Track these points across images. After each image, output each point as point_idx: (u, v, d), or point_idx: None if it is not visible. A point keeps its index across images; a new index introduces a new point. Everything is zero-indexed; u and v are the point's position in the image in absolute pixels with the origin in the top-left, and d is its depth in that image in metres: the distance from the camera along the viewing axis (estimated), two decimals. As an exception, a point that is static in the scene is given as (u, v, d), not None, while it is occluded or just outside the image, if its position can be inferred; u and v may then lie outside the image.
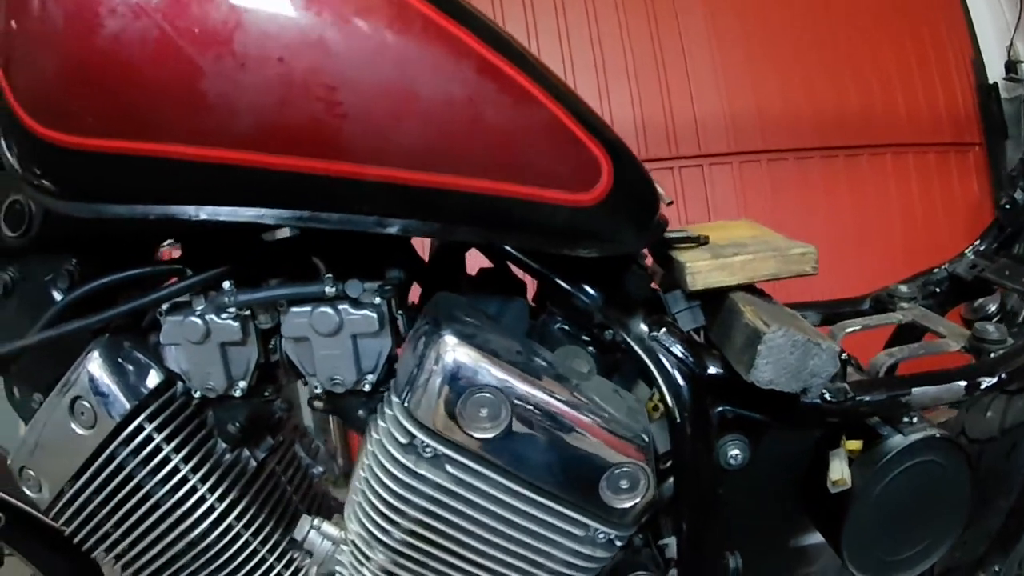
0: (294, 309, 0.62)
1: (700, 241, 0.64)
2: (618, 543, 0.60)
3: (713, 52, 1.85)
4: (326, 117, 0.51)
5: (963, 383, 0.63)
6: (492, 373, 0.55)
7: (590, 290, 0.61)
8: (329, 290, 0.60)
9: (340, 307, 0.60)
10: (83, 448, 0.67)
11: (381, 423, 0.60)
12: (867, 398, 0.62)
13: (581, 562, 0.60)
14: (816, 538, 0.77)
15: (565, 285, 0.61)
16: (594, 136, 0.55)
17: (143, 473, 0.66)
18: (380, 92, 0.51)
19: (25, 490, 0.74)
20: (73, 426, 0.66)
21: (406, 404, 0.57)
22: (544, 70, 0.55)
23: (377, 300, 0.60)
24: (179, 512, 0.67)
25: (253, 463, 0.71)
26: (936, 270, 0.82)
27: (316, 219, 0.53)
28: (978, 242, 0.82)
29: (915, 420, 0.64)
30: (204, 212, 0.55)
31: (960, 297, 0.81)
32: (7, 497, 0.89)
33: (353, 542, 0.63)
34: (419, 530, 0.59)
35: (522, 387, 0.55)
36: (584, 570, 0.61)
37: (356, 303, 0.61)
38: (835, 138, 1.90)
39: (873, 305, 0.78)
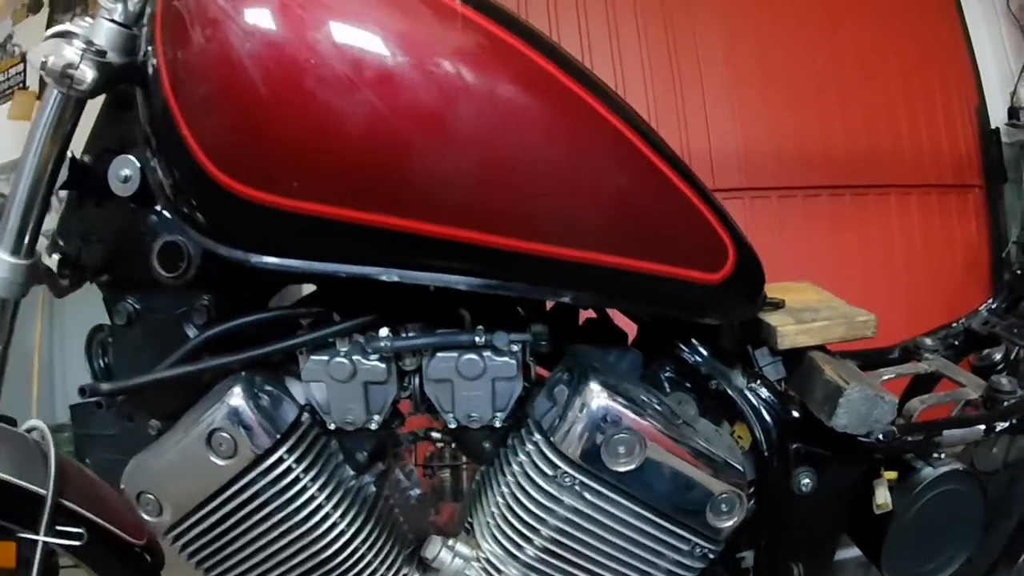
0: (440, 354, 0.81)
1: (779, 305, 0.88)
2: (711, 556, 0.84)
3: (730, 90, 2.17)
4: (522, 203, 0.71)
5: (983, 427, 0.90)
6: (631, 418, 0.76)
7: (699, 348, 0.84)
8: (479, 340, 0.79)
9: (484, 354, 0.80)
10: (219, 476, 0.83)
11: (522, 456, 0.80)
12: (909, 438, 0.88)
13: (681, 571, 0.83)
14: (843, 554, 1.04)
15: (681, 346, 0.84)
16: (724, 225, 0.78)
17: (280, 501, 0.83)
18: (571, 185, 0.72)
19: (143, 514, 0.90)
20: (210, 456, 0.82)
21: (552, 440, 0.78)
22: (686, 167, 0.77)
23: (515, 348, 0.80)
24: (311, 537, 0.85)
25: (372, 488, 0.90)
26: (955, 324, 1.10)
27: (503, 287, 0.74)
28: (991, 301, 1.11)
29: (942, 455, 0.91)
30: (397, 275, 0.73)
31: (973, 347, 1.09)
32: (89, 514, 1.03)
33: (486, 559, 0.83)
34: (552, 547, 0.80)
35: (654, 429, 0.77)
36: (681, 579, 0.84)
37: (497, 351, 0.80)
38: (843, 177, 2.26)
39: (901, 354, 1.05)
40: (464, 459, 1.43)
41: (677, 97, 2.13)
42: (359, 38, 0.69)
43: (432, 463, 1.26)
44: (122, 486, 0.91)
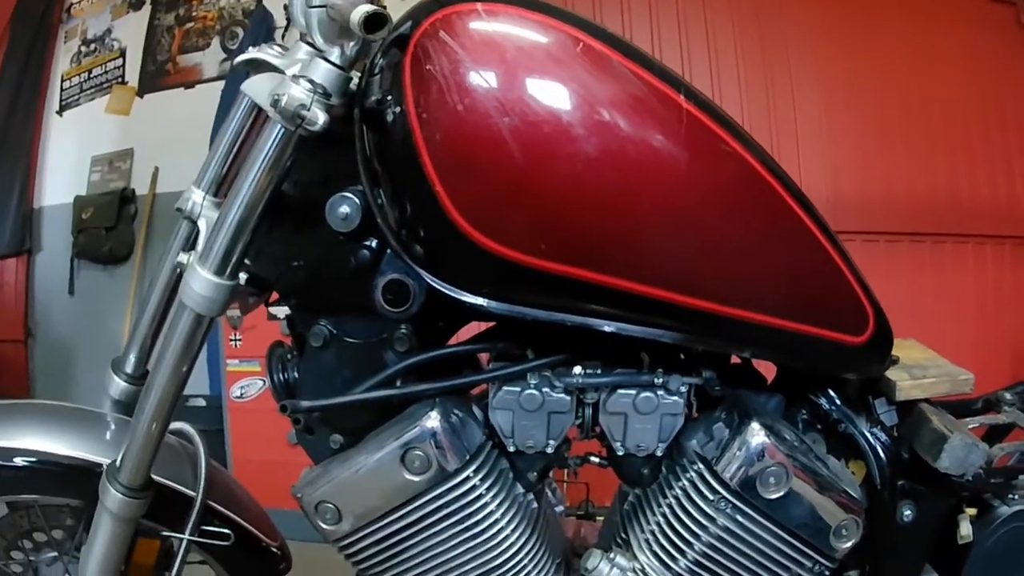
0: (620, 391, 1.15)
1: (895, 361, 1.26)
2: (826, 573, 1.21)
3: (823, 133, 2.65)
4: (724, 274, 1.05)
5: (1049, 472, 1.31)
6: (782, 454, 1.13)
7: (834, 396, 1.22)
8: (658, 381, 1.14)
9: (659, 393, 1.15)
10: (407, 490, 1.15)
11: (684, 481, 1.16)
12: (992, 480, 1.28)
13: (802, 585, 1.21)
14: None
15: (818, 393, 1.22)
16: (866, 294, 1.14)
17: (461, 515, 1.15)
18: (759, 261, 1.07)
19: (320, 522, 1.21)
20: (403, 472, 1.13)
21: (715, 469, 1.13)
22: (841, 243, 1.13)
23: (684, 389, 1.16)
24: (482, 548, 1.17)
25: (535, 505, 1.24)
26: (1030, 380, 1.52)
27: (701, 342, 1.09)
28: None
29: (1016, 496, 1.31)
30: (615, 327, 1.06)
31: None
32: (234, 516, 1.34)
33: (642, 570, 1.19)
34: (702, 559, 1.16)
35: (799, 464, 1.14)
36: (802, 591, 1.22)
37: (668, 390, 1.15)
38: (925, 225, 2.80)
39: (984, 405, 1.45)
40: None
41: (772, 138, 2.58)
42: (607, 128, 0.99)
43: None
44: (297, 495, 1.22)
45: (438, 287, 1.06)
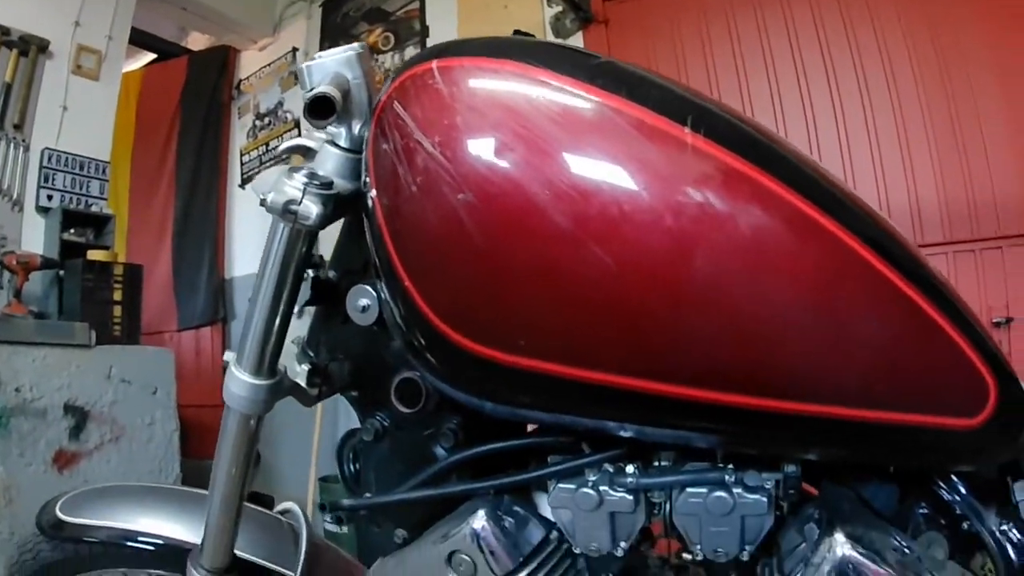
0: (690, 490, 0.92)
1: (1043, 422, 0.94)
2: None
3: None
4: (765, 359, 0.77)
5: None
6: (873, 570, 0.84)
7: (958, 485, 0.92)
8: (729, 479, 0.90)
9: (735, 491, 0.90)
10: (459, 597, 0.97)
11: (765, 601, 0.93)
12: None
13: None
14: None
15: (940, 482, 0.92)
16: (982, 356, 0.80)
17: (524, 621, 0.97)
18: (814, 336, 0.77)
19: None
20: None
21: (793, 592, 0.89)
22: (937, 283, 0.79)
23: (768, 486, 0.90)
24: (553, 656, 0.99)
25: (619, 606, 1.05)
26: None
27: (744, 445, 0.84)
28: None
29: None
30: (633, 431, 0.85)
31: None
32: None
33: None
34: None
35: (900, 583, 0.86)
36: None
37: (748, 488, 0.90)
38: None
39: None
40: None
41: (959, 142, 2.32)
42: (581, 182, 0.75)
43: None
44: (367, 578, 1.10)
45: (436, 385, 0.93)
